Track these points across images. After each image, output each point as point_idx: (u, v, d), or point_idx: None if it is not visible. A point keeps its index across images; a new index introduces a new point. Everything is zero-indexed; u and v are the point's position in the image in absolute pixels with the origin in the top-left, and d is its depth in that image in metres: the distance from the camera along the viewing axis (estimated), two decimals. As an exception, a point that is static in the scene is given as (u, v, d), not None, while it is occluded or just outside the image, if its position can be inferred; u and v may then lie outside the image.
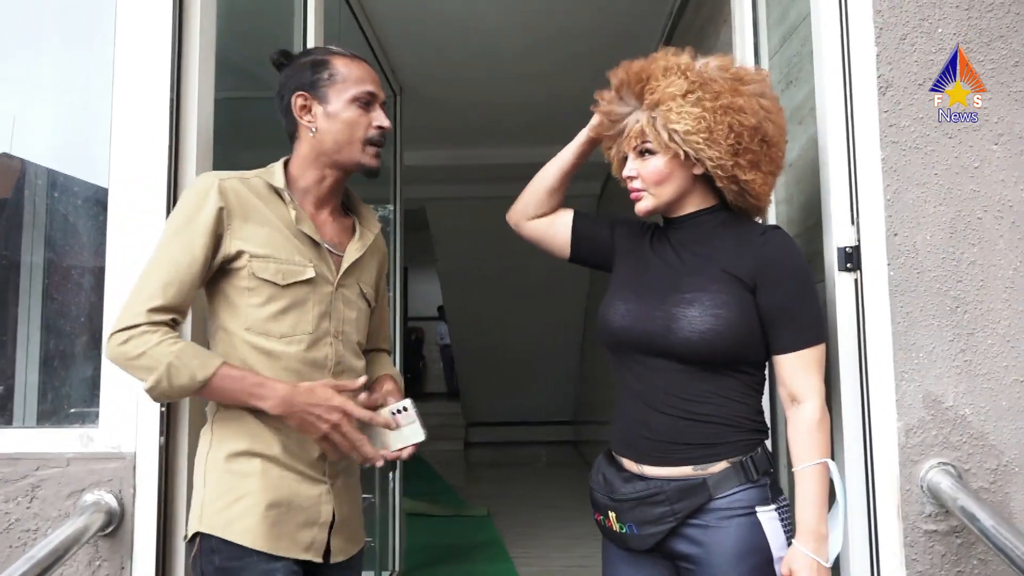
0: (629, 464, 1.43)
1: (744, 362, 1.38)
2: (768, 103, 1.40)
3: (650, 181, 1.43)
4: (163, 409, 1.58)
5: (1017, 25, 1.57)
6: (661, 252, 1.49)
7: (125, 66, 1.67)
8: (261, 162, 1.51)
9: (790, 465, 1.38)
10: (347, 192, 1.57)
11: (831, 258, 1.56)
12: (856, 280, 1.54)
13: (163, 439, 1.58)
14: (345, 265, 1.48)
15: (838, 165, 1.57)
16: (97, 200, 1.75)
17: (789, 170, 1.86)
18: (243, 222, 1.39)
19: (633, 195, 1.46)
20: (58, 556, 1.36)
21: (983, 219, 1.54)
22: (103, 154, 1.67)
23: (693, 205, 1.46)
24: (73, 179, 1.90)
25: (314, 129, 1.45)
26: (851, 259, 1.54)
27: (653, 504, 1.36)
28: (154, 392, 1.31)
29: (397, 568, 3.99)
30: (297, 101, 1.46)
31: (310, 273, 1.42)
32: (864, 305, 1.52)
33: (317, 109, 1.45)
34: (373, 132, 1.46)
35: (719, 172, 1.38)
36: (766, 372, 1.45)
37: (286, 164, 1.49)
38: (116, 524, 1.56)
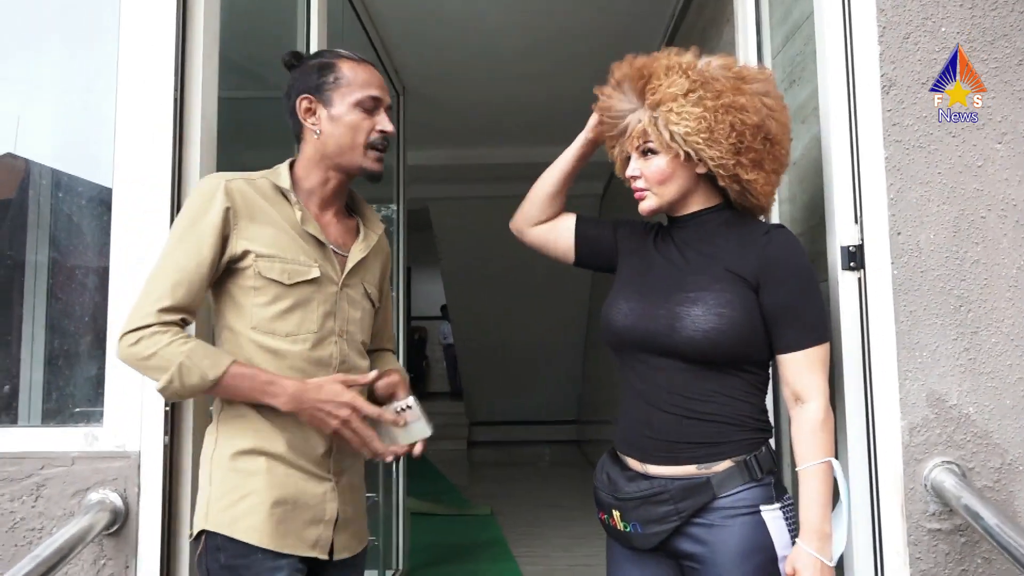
0: (633, 463, 1.43)
1: (748, 361, 1.38)
2: (771, 101, 1.40)
3: (653, 181, 1.43)
4: (167, 408, 1.59)
5: (1021, 24, 1.57)
6: (665, 251, 1.49)
7: (129, 65, 1.67)
8: (264, 161, 1.51)
9: (793, 464, 1.38)
10: (351, 194, 1.58)
11: (834, 257, 1.56)
12: (859, 279, 1.54)
13: (167, 438, 1.58)
14: (350, 265, 1.49)
15: (841, 164, 1.57)
16: (101, 200, 1.76)
17: (792, 169, 1.86)
18: (249, 222, 1.40)
19: (637, 195, 1.47)
20: (63, 555, 1.37)
21: (987, 218, 1.54)
22: (107, 154, 1.68)
23: (697, 204, 1.46)
24: (77, 179, 1.90)
25: (318, 132, 1.46)
26: (854, 258, 1.54)
27: (657, 503, 1.36)
28: (166, 392, 1.33)
29: (401, 567, 4.00)
30: (302, 104, 1.47)
31: (315, 273, 1.43)
32: (867, 304, 1.52)
33: (321, 112, 1.46)
34: (375, 136, 1.47)
35: (721, 172, 1.38)
36: (770, 371, 1.45)
37: (292, 165, 1.50)
38: (121, 523, 1.56)
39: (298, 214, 1.44)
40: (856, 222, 1.55)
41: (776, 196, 1.62)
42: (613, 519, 1.42)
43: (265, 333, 1.40)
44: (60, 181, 1.93)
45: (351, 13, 3.26)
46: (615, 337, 1.46)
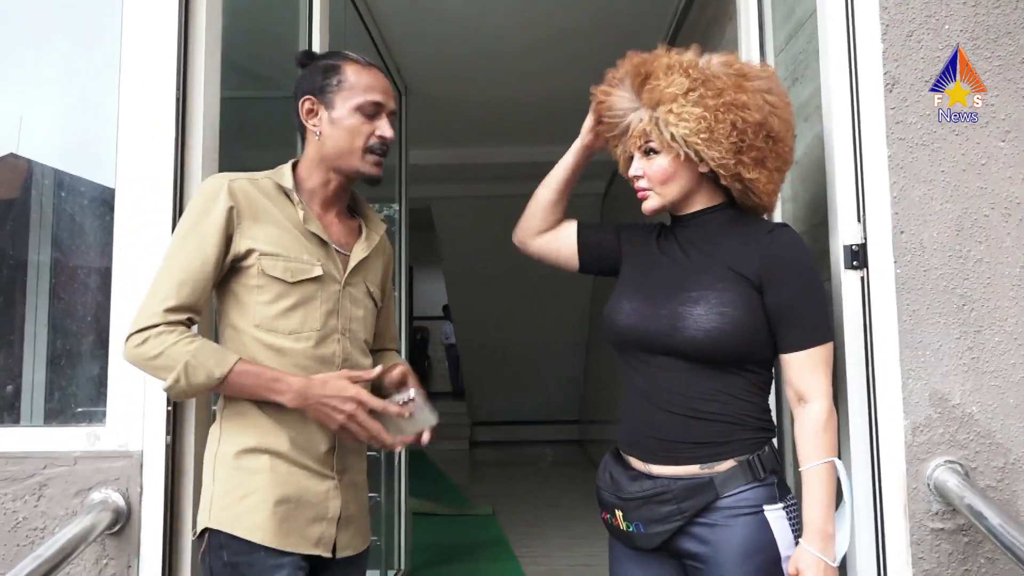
0: (636, 463, 1.43)
1: (750, 361, 1.38)
2: (774, 98, 1.39)
3: (655, 180, 1.43)
4: (170, 408, 1.59)
5: (1024, 22, 1.56)
6: (668, 251, 1.48)
7: (131, 65, 1.67)
8: (266, 161, 1.51)
9: (795, 464, 1.38)
10: (353, 195, 1.59)
11: (837, 256, 1.56)
12: (862, 278, 1.54)
13: (170, 438, 1.59)
14: (352, 264, 1.50)
15: (844, 162, 1.57)
16: (103, 200, 1.76)
17: (795, 168, 1.86)
18: (253, 222, 1.41)
19: (640, 194, 1.46)
20: (65, 554, 1.37)
21: (990, 216, 1.53)
22: (109, 154, 1.68)
23: (700, 203, 1.46)
24: (79, 179, 1.90)
25: (318, 133, 1.47)
26: (857, 257, 1.54)
27: (660, 503, 1.36)
28: (173, 391, 1.33)
29: (403, 567, 4.00)
30: (305, 105, 1.48)
31: (318, 271, 1.43)
32: (870, 303, 1.52)
33: (323, 114, 1.47)
34: (374, 141, 1.47)
35: (722, 171, 1.38)
36: (772, 371, 1.44)
37: (295, 166, 1.51)
38: (123, 523, 1.56)
39: (300, 213, 1.44)
40: (859, 221, 1.55)
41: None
42: (616, 519, 1.42)
43: (268, 331, 1.41)
44: (62, 181, 1.93)
45: (353, 13, 3.26)
46: (618, 337, 1.45)
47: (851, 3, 1.58)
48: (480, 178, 6.31)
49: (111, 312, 1.63)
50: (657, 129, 1.37)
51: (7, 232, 1.98)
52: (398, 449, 1.47)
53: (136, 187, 1.65)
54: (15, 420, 1.87)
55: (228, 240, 1.39)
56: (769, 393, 1.44)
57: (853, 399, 1.52)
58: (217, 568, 1.37)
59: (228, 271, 1.42)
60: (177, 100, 1.65)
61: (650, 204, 1.45)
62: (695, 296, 1.36)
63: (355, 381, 1.40)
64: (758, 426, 1.39)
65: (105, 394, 1.62)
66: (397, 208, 4.16)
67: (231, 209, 1.39)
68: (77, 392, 1.77)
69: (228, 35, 1.79)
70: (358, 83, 1.46)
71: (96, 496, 1.57)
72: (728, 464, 1.35)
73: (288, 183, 1.46)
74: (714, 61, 1.40)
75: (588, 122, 1.56)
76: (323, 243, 1.46)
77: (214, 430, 1.46)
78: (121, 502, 1.57)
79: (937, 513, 1.47)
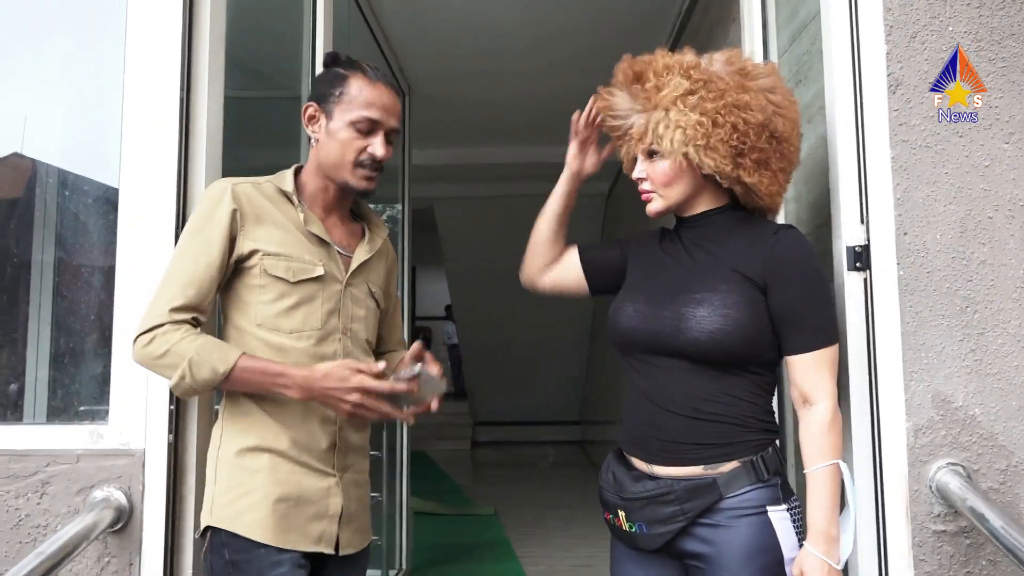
0: (639, 463, 1.42)
1: (754, 362, 1.38)
2: (777, 98, 1.39)
3: (658, 183, 1.43)
4: (172, 407, 1.59)
5: (1028, 23, 1.56)
6: (673, 252, 1.48)
7: (135, 65, 1.68)
8: (268, 160, 1.52)
9: (797, 466, 1.38)
10: (355, 200, 1.60)
11: (840, 257, 1.56)
12: (865, 280, 1.54)
13: (172, 436, 1.59)
14: (355, 264, 1.51)
15: (847, 164, 1.56)
16: (107, 199, 1.76)
17: (798, 169, 1.85)
18: (255, 224, 1.43)
19: (644, 196, 1.47)
20: (67, 552, 1.37)
21: (993, 218, 1.53)
22: (113, 153, 1.68)
23: (704, 204, 1.45)
24: (83, 178, 1.91)
25: (315, 141, 1.49)
26: (860, 258, 1.54)
27: (663, 503, 1.35)
28: (179, 388, 1.35)
29: (404, 567, 4.00)
30: (307, 110, 1.50)
31: (319, 271, 1.45)
32: (873, 305, 1.52)
33: (322, 122, 1.49)
34: (364, 157, 1.47)
35: (719, 177, 1.37)
36: (776, 373, 1.44)
37: (300, 170, 1.53)
38: (125, 520, 1.57)
39: (301, 216, 1.46)
40: (862, 222, 1.55)
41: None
42: (618, 519, 1.42)
43: (270, 330, 1.42)
44: (66, 180, 1.93)
45: (357, 13, 3.26)
46: (621, 338, 1.45)
47: (855, 4, 1.58)
48: (483, 178, 6.30)
49: (114, 311, 1.64)
50: (656, 133, 1.37)
51: (11, 231, 1.98)
52: (411, 422, 1.50)
53: (139, 186, 1.65)
54: (18, 418, 1.87)
55: (232, 242, 1.41)
56: (772, 395, 1.43)
57: (855, 400, 1.52)
58: (219, 566, 1.38)
59: (232, 272, 1.44)
60: (181, 99, 1.65)
61: (654, 206, 1.45)
62: (699, 297, 1.36)
63: (359, 371, 1.40)
64: (762, 427, 1.38)
65: (108, 392, 1.63)
66: (400, 208, 4.16)
67: (235, 212, 1.41)
68: (80, 390, 1.77)
69: (232, 34, 1.79)
70: (358, 98, 1.47)
71: (98, 494, 1.57)
72: (732, 465, 1.35)
73: (289, 187, 1.48)
74: (716, 59, 1.40)
75: (572, 148, 1.57)
76: (325, 244, 1.48)
77: (216, 429, 1.47)
78: (123, 500, 1.57)
79: (939, 515, 1.47)
